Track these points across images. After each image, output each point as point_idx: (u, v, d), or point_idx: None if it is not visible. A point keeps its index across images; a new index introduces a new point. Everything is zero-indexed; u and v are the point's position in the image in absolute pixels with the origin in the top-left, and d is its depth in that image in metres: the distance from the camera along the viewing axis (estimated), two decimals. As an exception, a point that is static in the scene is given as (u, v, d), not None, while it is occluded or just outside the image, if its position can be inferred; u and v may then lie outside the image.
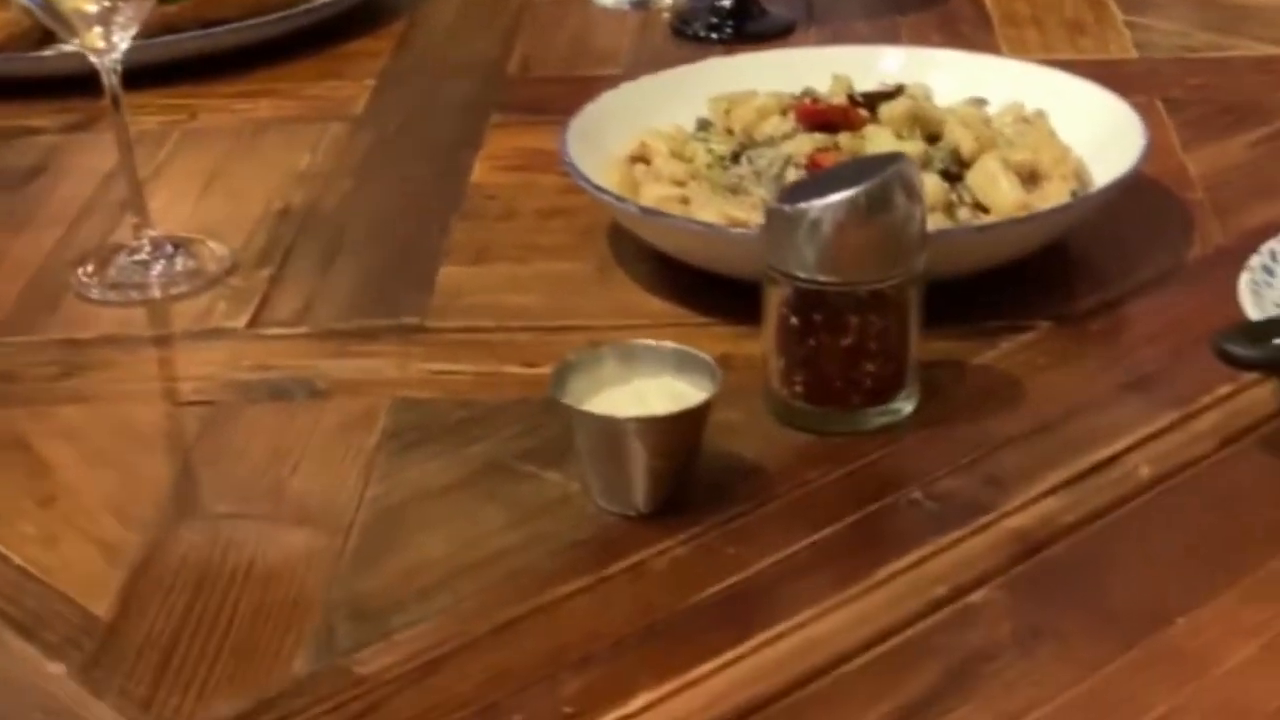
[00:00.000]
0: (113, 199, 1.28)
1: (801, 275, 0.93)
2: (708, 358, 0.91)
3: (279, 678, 0.81)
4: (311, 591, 0.86)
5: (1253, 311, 0.98)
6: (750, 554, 0.87)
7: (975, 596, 0.83)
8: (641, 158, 1.18)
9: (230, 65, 1.52)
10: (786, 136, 1.15)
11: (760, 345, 0.97)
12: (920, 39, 1.51)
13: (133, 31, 1.12)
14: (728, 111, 1.20)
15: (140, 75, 1.29)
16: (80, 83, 1.24)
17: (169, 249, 1.19)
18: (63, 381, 1.07)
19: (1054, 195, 1.09)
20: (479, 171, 1.32)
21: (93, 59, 1.13)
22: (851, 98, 1.18)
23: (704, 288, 1.09)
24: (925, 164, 1.10)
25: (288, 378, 1.05)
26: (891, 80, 1.21)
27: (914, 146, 1.11)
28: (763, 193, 1.10)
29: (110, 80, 1.14)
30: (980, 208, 1.10)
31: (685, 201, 1.11)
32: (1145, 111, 1.19)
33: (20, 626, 0.85)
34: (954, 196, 1.09)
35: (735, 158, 1.15)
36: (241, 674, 0.81)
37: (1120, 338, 1.06)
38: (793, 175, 1.10)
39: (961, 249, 1.05)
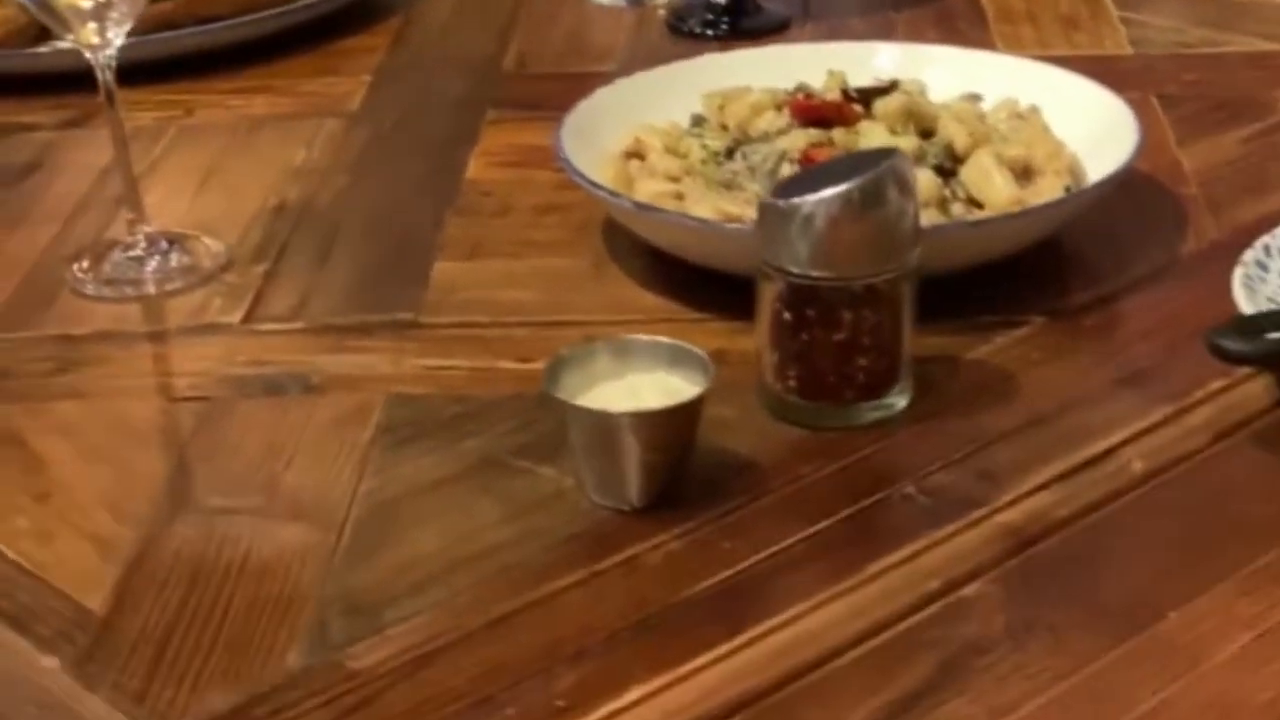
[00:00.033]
0: (108, 195, 1.28)
1: (795, 270, 0.93)
2: (701, 353, 0.91)
3: (272, 672, 0.81)
4: (305, 586, 0.86)
5: (1246, 306, 0.98)
6: (743, 548, 0.87)
7: (968, 590, 0.83)
8: (636, 153, 1.18)
9: (226, 61, 1.52)
10: (781, 132, 1.15)
11: (754, 340, 0.97)
12: (915, 35, 1.51)
13: (127, 27, 1.13)
14: (722, 107, 1.20)
15: (136, 71, 1.29)
16: (76, 79, 1.24)
17: (164, 245, 1.19)
18: (58, 377, 1.07)
19: (1047, 191, 1.09)
20: (474, 167, 1.32)
21: (87, 55, 1.13)
22: (846, 93, 1.18)
23: (698, 283, 1.09)
24: (919, 159, 1.10)
25: (282, 373, 1.05)
26: (886, 76, 1.21)
27: (908, 142, 1.11)
28: (757, 188, 1.10)
29: (105, 76, 1.14)
30: (974, 203, 1.10)
31: (680, 197, 1.11)
32: (1140, 107, 1.20)
33: (14, 621, 0.85)
34: (948, 192, 1.10)
35: (729, 153, 1.15)
36: (235, 668, 0.81)
37: (1114, 333, 1.07)
38: (787, 171, 1.10)
39: (955, 244, 1.05)
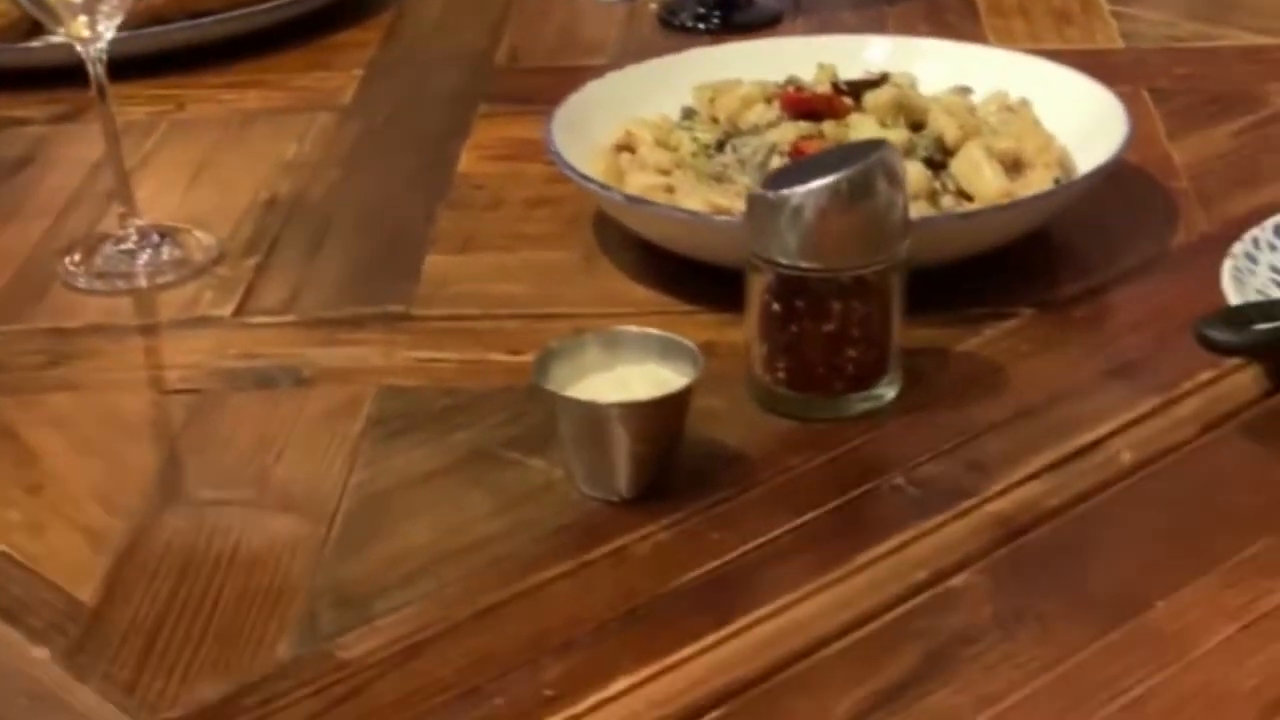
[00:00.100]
0: (100, 189, 1.28)
1: (784, 262, 0.93)
2: (690, 344, 0.91)
3: (262, 662, 0.81)
4: (295, 577, 0.87)
5: (1235, 298, 0.99)
6: (732, 539, 0.87)
7: (956, 580, 0.84)
8: (627, 146, 1.18)
9: (218, 56, 1.52)
10: (771, 125, 1.15)
11: (743, 332, 0.97)
12: (907, 29, 1.51)
13: (117, 20, 1.13)
14: (712, 100, 1.20)
15: (128, 66, 1.30)
16: (67, 74, 1.24)
17: (155, 238, 1.19)
18: (50, 370, 1.07)
19: (1037, 183, 1.09)
20: (466, 161, 1.32)
21: (78, 48, 1.14)
22: (836, 86, 1.18)
23: (689, 276, 1.09)
24: (909, 152, 1.10)
25: (274, 366, 1.06)
26: (876, 69, 1.21)
27: (898, 135, 1.12)
28: (747, 181, 1.10)
29: (96, 70, 1.14)
30: (964, 195, 1.10)
31: (670, 190, 1.11)
32: (1131, 101, 1.20)
33: (5, 612, 0.86)
34: (938, 184, 1.10)
35: (720, 146, 1.16)
36: (225, 659, 0.82)
37: (1103, 325, 1.07)
38: (777, 163, 1.10)
39: (945, 236, 1.05)
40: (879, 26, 1.52)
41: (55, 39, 1.39)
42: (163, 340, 1.12)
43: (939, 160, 1.12)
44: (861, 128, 1.13)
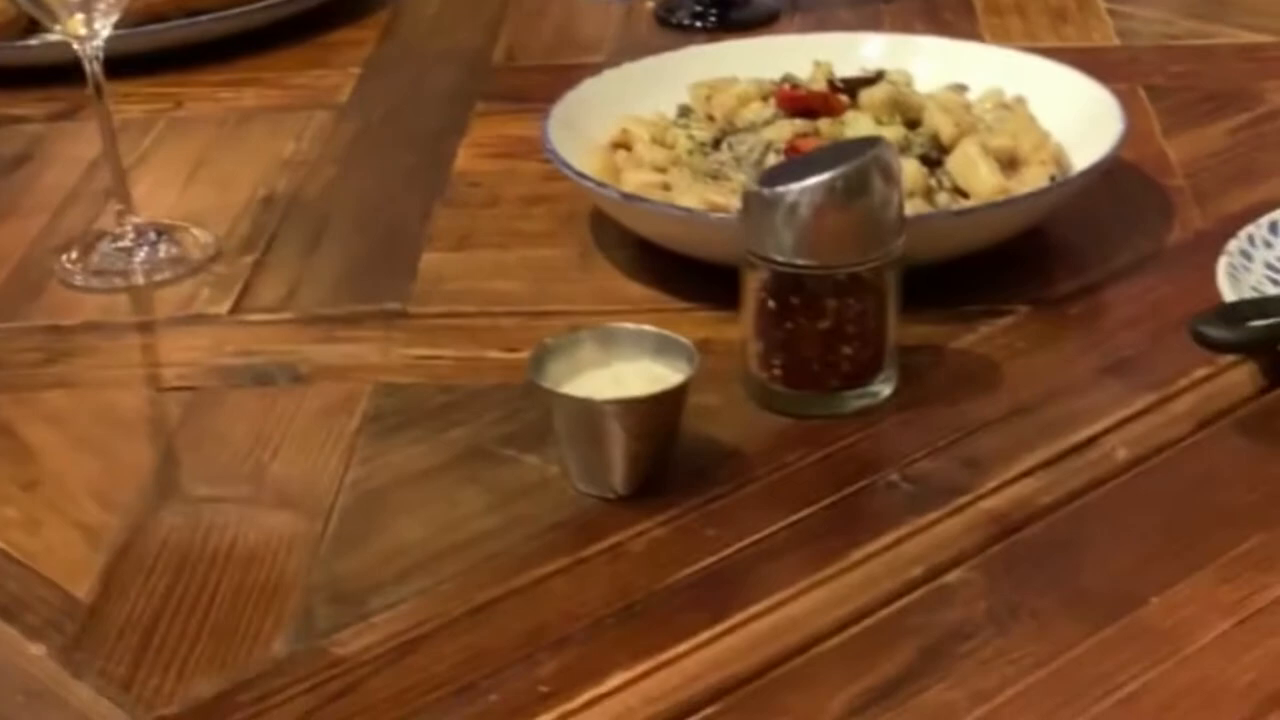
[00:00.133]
0: (97, 187, 1.29)
1: (779, 259, 0.93)
2: (686, 341, 0.92)
3: (258, 658, 0.81)
4: (291, 574, 0.87)
5: (1230, 295, 0.99)
6: (728, 536, 0.87)
7: (951, 577, 0.84)
8: (623, 144, 1.18)
9: (215, 54, 1.53)
10: (767, 122, 1.15)
11: (739, 329, 0.97)
12: (903, 27, 1.51)
13: (114, 18, 1.13)
14: (708, 98, 1.20)
15: (126, 64, 1.30)
16: (65, 72, 1.25)
17: (153, 236, 1.19)
18: (47, 367, 1.08)
19: (1032, 180, 1.10)
20: (462, 159, 1.32)
21: (75, 46, 1.14)
22: (832, 84, 1.19)
23: (685, 273, 1.09)
24: (905, 149, 1.10)
25: (270, 363, 1.06)
26: (872, 67, 1.21)
27: (894, 132, 1.12)
28: (743, 178, 1.10)
29: (92, 68, 1.14)
30: (960, 193, 1.10)
31: (666, 187, 1.11)
32: (1127, 99, 1.20)
33: (2, 609, 0.86)
34: (933, 181, 1.10)
35: (716, 144, 1.16)
36: (221, 655, 0.82)
37: (1098, 322, 1.07)
38: (773, 161, 1.11)
39: (940, 233, 1.05)
40: (875, 24, 1.52)
41: (52, 37, 1.39)
42: (159, 337, 1.12)
43: (935, 158, 1.12)
44: (857, 125, 1.13)
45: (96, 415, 1.02)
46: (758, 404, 0.97)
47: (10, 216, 1.28)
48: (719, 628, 0.81)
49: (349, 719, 0.77)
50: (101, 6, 1.12)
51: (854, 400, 0.96)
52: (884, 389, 0.97)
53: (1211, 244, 1.05)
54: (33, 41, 1.50)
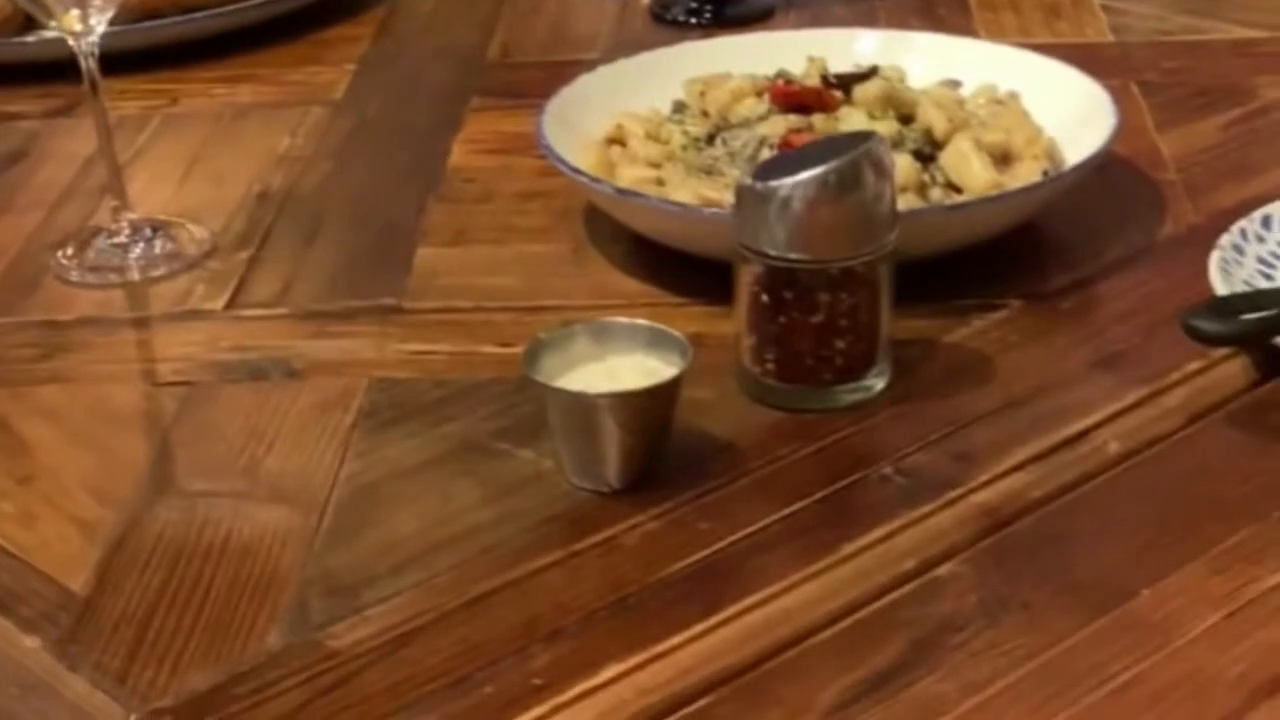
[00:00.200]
0: (93, 183, 1.29)
1: (772, 253, 0.93)
2: (679, 335, 0.92)
3: (253, 652, 0.81)
4: (286, 567, 0.87)
5: (1222, 289, 0.99)
6: (721, 529, 0.87)
7: (942, 570, 0.84)
8: (617, 140, 1.19)
9: (211, 50, 1.53)
10: (761, 118, 1.15)
11: (732, 324, 0.98)
12: (898, 23, 1.51)
13: (109, 14, 1.13)
14: (703, 94, 1.21)
15: (122, 60, 1.31)
16: (61, 69, 1.25)
17: (148, 232, 1.19)
18: (42, 362, 1.08)
19: (1025, 175, 1.10)
20: (457, 155, 1.33)
21: (70, 42, 1.14)
22: (825, 79, 1.19)
23: (679, 268, 1.10)
24: (898, 144, 1.10)
25: (265, 358, 1.06)
26: (866, 62, 1.21)
27: (887, 127, 1.12)
28: (737, 173, 1.10)
29: (88, 64, 1.15)
30: (953, 188, 1.10)
31: (660, 183, 1.12)
32: (1120, 94, 1.20)
33: (-3, 602, 0.86)
34: (926, 177, 1.10)
35: (710, 139, 1.16)
36: (216, 648, 0.82)
37: (1091, 316, 1.07)
38: (767, 156, 1.11)
39: (933, 228, 1.05)
40: (870, 20, 1.52)
41: (48, 33, 1.40)
42: (155, 333, 1.12)
43: (928, 153, 1.12)
44: (851, 121, 1.14)
45: (92, 410, 1.03)
46: (751, 398, 0.97)
47: (6, 212, 1.28)
48: (712, 620, 0.81)
49: (343, 711, 0.78)
50: (97, 3, 1.12)
51: (847, 394, 0.97)
52: (877, 383, 0.97)
53: (1204, 238, 1.06)
54: (29, 38, 1.51)
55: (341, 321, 1.10)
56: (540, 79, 1.33)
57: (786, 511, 0.89)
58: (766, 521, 0.88)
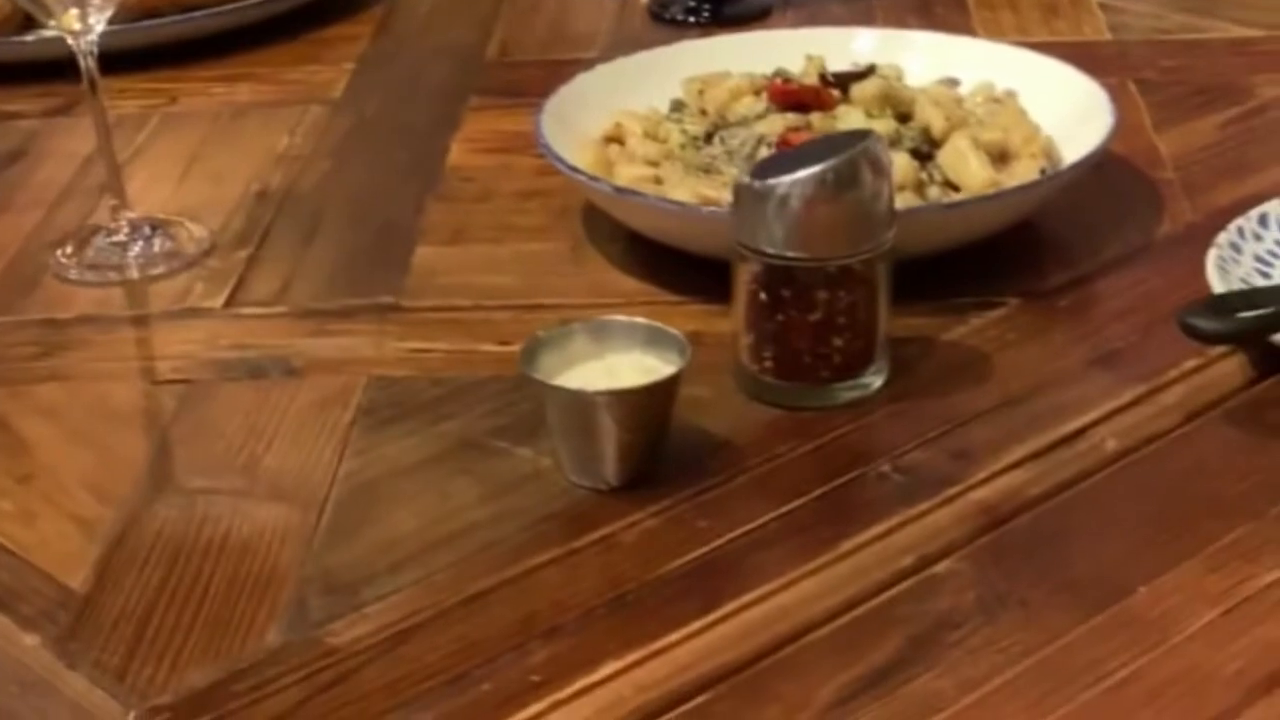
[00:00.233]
0: (92, 182, 1.29)
1: (770, 251, 0.94)
2: (677, 333, 0.92)
3: (252, 649, 0.82)
4: (285, 565, 0.87)
5: (1219, 287, 0.99)
6: (719, 526, 0.88)
7: (940, 567, 0.84)
8: (616, 139, 1.19)
9: (210, 49, 1.53)
10: (759, 117, 1.16)
11: (730, 322, 0.98)
12: (895, 22, 1.51)
13: (108, 13, 1.13)
14: (701, 92, 1.21)
15: (121, 59, 1.31)
16: (60, 68, 1.25)
17: (147, 230, 1.20)
18: (41, 361, 1.08)
19: (1023, 174, 1.10)
20: (456, 154, 1.33)
21: (69, 41, 1.14)
22: (823, 78, 1.19)
23: (677, 267, 1.10)
24: (896, 143, 1.11)
25: (264, 356, 1.06)
26: (864, 61, 1.22)
27: (885, 126, 1.12)
28: (735, 172, 1.10)
29: (87, 63, 1.15)
30: (951, 186, 1.10)
31: (658, 181, 1.12)
32: (1118, 93, 1.21)
33: (-4, 600, 0.87)
34: (924, 175, 1.10)
35: (708, 138, 1.16)
36: (215, 645, 0.82)
37: (1089, 314, 1.07)
38: (765, 154, 1.11)
39: (931, 226, 1.06)
40: (867, 19, 1.52)
41: (48, 33, 1.40)
42: (154, 331, 1.12)
43: (926, 151, 1.12)
44: (849, 119, 1.14)
45: (91, 408, 1.03)
46: (749, 396, 0.98)
47: (5, 211, 1.28)
48: (710, 617, 0.81)
49: (342, 708, 0.78)
50: (96, 2, 1.12)
51: (845, 392, 0.97)
52: (875, 381, 0.98)
53: (1201, 237, 1.06)
54: (28, 37, 1.51)
55: (340, 320, 1.10)
56: (539, 78, 1.34)
57: (784, 509, 0.89)
58: (765, 519, 0.88)
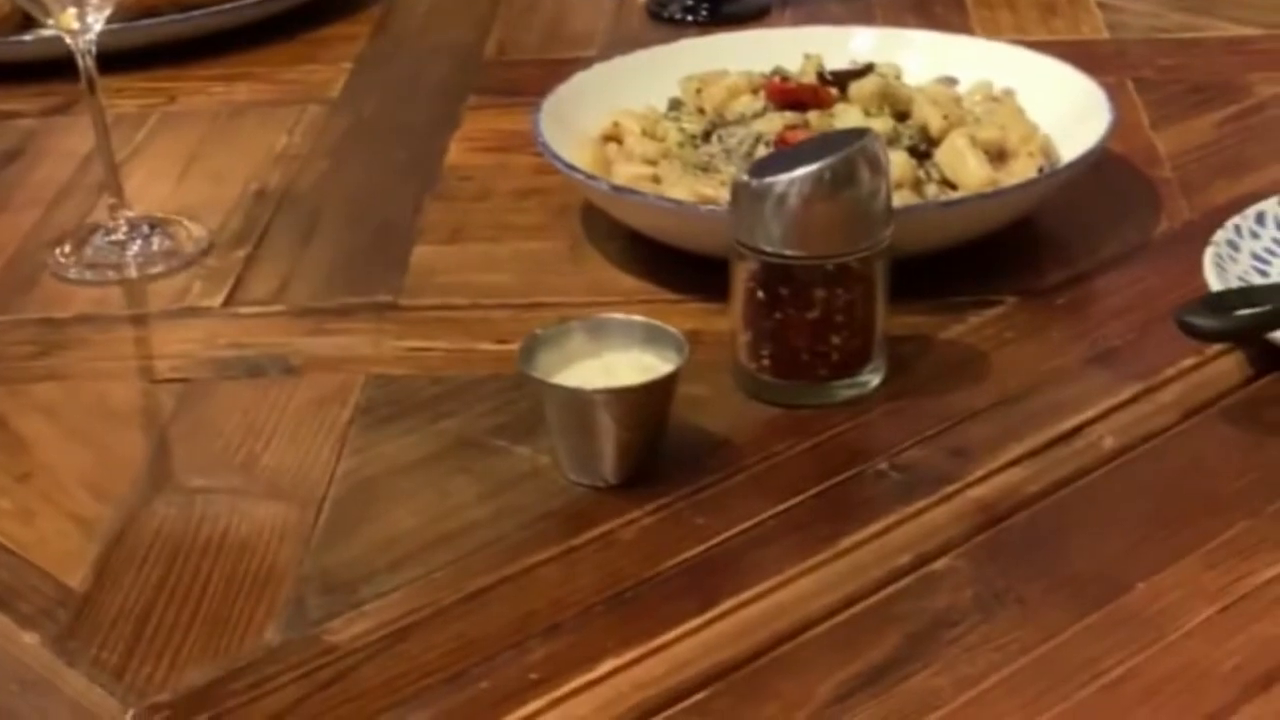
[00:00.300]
0: (90, 181, 1.29)
1: (768, 249, 0.94)
2: (675, 331, 0.92)
3: (250, 647, 0.82)
4: (283, 563, 0.87)
5: (1216, 285, 0.99)
6: (717, 524, 0.88)
7: (938, 564, 0.84)
8: (614, 137, 1.19)
9: (208, 49, 1.53)
10: (757, 115, 1.16)
11: (728, 320, 0.98)
12: (894, 20, 1.51)
13: (106, 13, 1.13)
14: (699, 91, 1.21)
15: (119, 59, 1.31)
16: (58, 67, 1.25)
17: (145, 229, 1.20)
18: (40, 360, 1.08)
19: (1021, 172, 1.10)
20: (454, 153, 1.33)
21: (67, 40, 1.14)
22: (821, 76, 1.19)
23: (675, 265, 1.10)
24: (894, 141, 1.11)
25: (263, 355, 1.06)
26: (862, 60, 1.22)
27: (883, 124, 1.12)
28: (733, 171, 1.10)
29: (85, 62, 1.15)
30: (948, 184, 1.11)
31: (656, 180, 1.12)
32: (1115, 91, 1.21)
33: (-5, 599, 0.87)
34: (922, 173, 1.10)
35: (706, 136, 1.16)
36: (213, 643, 0.82)
37: (1086, 312, 1.07)
38: (763, 153, 1.11)
39: (928, 224, 1.06)
40: (866, 18, 1.53)
41: (46, 32, 1.40)
42: (152, 330, 1.12)
43: (923, 150, 1.12)
44: (847, 118, 1.14)
45: (89, 407, 1.03)
46: (747, 394, 0.98)
47: (3, 210, 1.28)
48: (708, 614, 0.82)
49: (340, 706, 0.78)
50: (94, 1, 1.12)
51: (842, 390, 0.97)
52: (872, 379, 0.98)
53: (1198, 235, 1.06)
54: (26, 37, 1.51)
55: (339, 318, 1.10)
56: (537, 77, 1.34)
57: (782, 507, 0.89)
58: (763, 516, 0.88)
